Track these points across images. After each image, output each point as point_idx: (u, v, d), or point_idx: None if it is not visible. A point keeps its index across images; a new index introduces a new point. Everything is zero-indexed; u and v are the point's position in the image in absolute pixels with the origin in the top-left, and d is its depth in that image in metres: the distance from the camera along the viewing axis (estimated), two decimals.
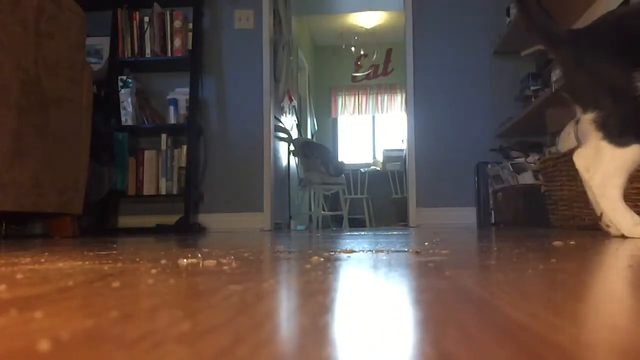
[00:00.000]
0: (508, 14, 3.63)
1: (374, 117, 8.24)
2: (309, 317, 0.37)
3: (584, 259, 0.82)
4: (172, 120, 3.82)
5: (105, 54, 3.93)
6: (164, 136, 3.76)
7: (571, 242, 1.16)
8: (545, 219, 2.68)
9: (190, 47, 3.82)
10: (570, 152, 2.20)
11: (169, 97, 3.87)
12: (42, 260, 0.91)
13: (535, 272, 0.62)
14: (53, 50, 2.35)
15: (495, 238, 1.57)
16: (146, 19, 3.84)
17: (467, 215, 3.82)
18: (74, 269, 0.74)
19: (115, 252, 1.12)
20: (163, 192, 3.72)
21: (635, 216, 1.38)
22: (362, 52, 7.94)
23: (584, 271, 0.64)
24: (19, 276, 0.64)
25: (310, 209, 5.17)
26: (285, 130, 4.67)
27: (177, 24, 3.83)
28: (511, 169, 3.33)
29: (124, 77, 3.75)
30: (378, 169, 7.34)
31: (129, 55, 3.83)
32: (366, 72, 8.14)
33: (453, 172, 3.88)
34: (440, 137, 3.93)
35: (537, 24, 1.49)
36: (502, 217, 3.42)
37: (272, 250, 1.18)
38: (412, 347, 0.28)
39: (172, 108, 3.83)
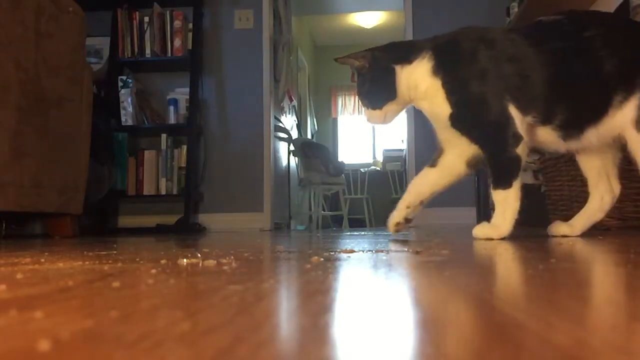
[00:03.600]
0: (508, 14, 3.62)
1: None
2: (309, 317, 0.36)
3: (584, 259, 0.82)
4: (172, 120, 3.82)
5: (105, 54, 3.92)
6: (164, 136, 3.76)
7: (571, 243, 1.16)
8: (545, 219, 2.68)
9: (190, 47, 3.82)
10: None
11: (169, 97, 3.87)
12: (42, 260, 0.91)
13: (535, 272, 0.62)
14: (53, 50, 2.35)
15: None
16: (146, 19, 3.83)
17: (467, 215, 3.82)
18: (74, 269, 0.74)
19: (115, 252, 1.12)
20: (163, 192, 3.72)
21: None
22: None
23: (584, 271, 0.64)
24: (19, 276, 0.64)
25: (310, 209, 5.16)
26: (285, 130, 4.67)
27: (177, 24, 3.83)
28: None
29: (124, 77, 3.75)
30: (378, 169, 7.34)
31: (129, 55, 3.82)
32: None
33: None
34: None
35: None
36: None
37: (272, 250, 1.18)
38: (412, 347, 0.28)
39: (172, 108, 3.82)
